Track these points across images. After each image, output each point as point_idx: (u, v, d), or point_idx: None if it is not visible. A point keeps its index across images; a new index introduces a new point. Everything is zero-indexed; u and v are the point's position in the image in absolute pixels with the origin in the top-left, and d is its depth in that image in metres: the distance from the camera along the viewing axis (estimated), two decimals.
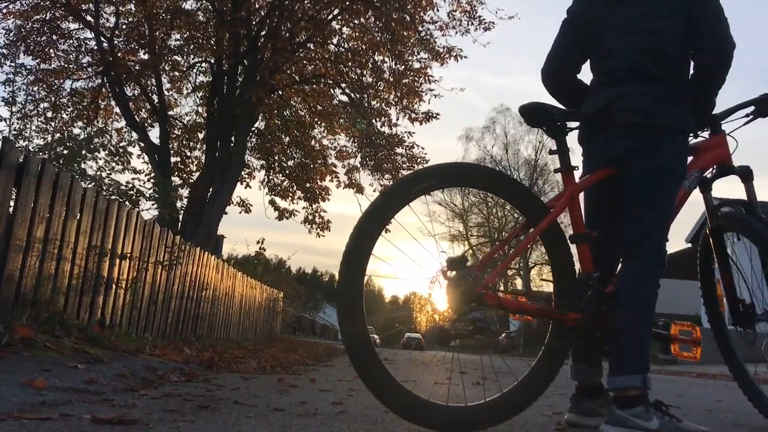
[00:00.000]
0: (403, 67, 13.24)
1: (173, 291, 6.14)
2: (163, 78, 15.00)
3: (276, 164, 15.68)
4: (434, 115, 13.80)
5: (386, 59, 13.31)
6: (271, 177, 15.86)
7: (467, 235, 45.11)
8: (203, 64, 15.63)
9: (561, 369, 2.28)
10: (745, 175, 2.61)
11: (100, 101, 15.14)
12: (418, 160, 14.44)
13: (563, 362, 2.30)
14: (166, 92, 15.44)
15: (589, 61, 2.59)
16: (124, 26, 13.86)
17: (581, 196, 2.46)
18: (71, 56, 14.54)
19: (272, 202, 15.62)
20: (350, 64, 13.66)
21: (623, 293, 2.24)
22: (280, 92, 14.39)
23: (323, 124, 14.97)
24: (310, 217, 15.54)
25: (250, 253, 14.54)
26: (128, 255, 5.02)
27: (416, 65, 13.54)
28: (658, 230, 2.30)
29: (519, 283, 40.05)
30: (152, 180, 8.45)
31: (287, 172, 15.57)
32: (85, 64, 14.87)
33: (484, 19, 13.16)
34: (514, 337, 33.45)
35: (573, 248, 2.38)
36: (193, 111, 16.35)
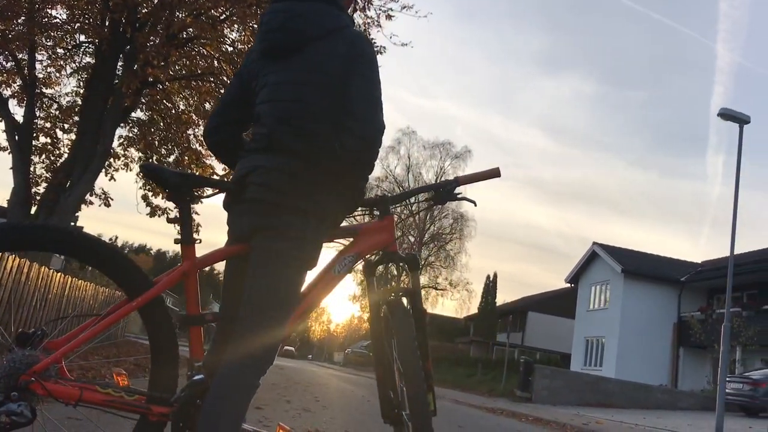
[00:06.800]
0: None
1: None
2: (42, 53, 14.14)
3: (154, 158, 14.98)
4: None
5: None
6: None
7: None
8: (91, 46, 14.84)
9: None
10: (411, 263, 2.43)
11: None
12: None
13: None
14: (45, 69, 14.58)
15: None
16: None
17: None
18: None
19: (145, 198, 14.93)
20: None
21: (213, 386, 1.97)
22: (164, 85, 13.77)
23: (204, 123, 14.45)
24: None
25: None
26: None
27: None
28: (270, 320, 2.04)
29: None
30: None
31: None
32: None
33: (376, 43, 12.98)
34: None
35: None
36: (73, 92, 15.46)
